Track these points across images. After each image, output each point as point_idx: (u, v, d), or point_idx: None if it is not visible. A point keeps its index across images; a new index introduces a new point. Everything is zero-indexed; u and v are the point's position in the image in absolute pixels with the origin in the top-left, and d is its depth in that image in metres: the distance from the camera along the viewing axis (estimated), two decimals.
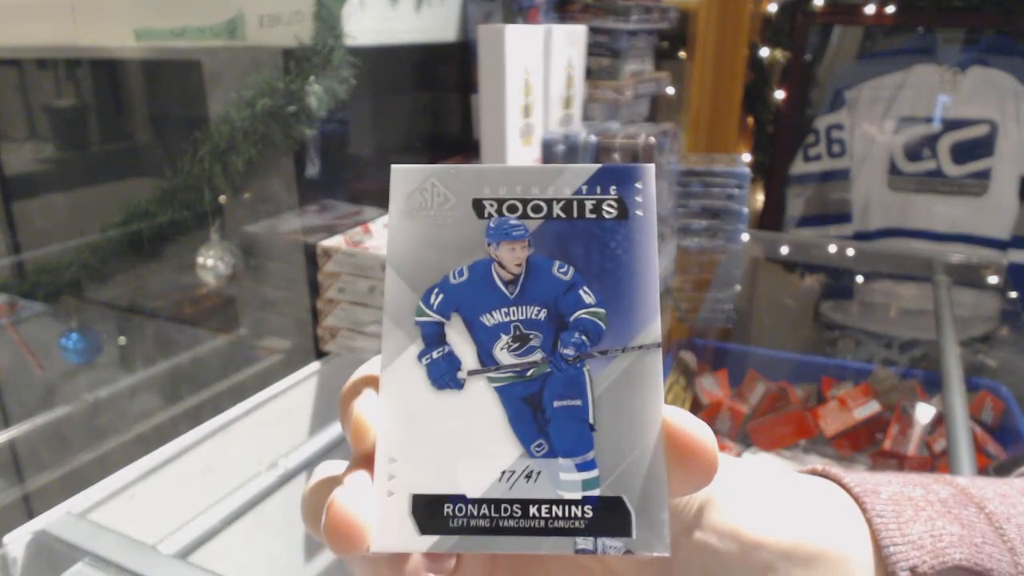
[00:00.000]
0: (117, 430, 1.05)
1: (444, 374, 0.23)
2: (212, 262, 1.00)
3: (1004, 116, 1.90)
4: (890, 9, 1.93)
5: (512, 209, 0.24)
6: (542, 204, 0.24)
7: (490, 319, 0.24)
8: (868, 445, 1.21)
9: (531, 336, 0.24)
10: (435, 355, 0.23)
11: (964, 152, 1.95)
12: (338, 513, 0.21)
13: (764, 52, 2.03)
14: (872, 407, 1.21)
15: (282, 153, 0.98)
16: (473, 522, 0.22)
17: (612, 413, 0.23)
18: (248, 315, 1.11)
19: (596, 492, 0.22)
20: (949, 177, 1.97)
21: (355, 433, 0.23)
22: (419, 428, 0.23)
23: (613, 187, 0.24)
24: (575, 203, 0.24)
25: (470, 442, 0.23)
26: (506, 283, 0.24)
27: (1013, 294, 1.55)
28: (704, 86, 1.88)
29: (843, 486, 0.28)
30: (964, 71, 1.92)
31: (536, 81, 1.10)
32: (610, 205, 0.24)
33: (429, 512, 0.22)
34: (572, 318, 0.23)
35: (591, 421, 0.23)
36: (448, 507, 0.22)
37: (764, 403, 1.29)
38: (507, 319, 0.24)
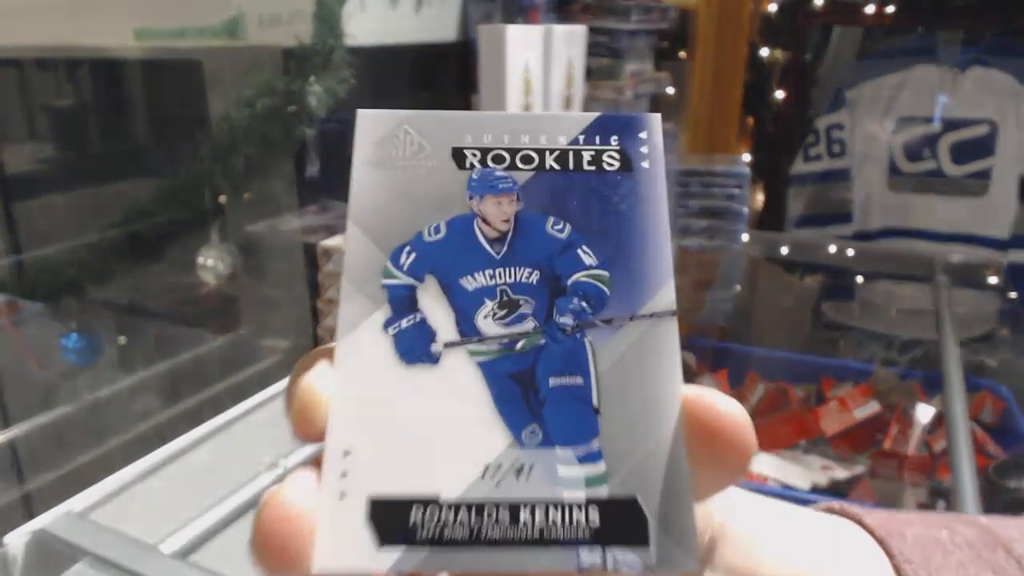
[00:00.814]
0: (117, 430, 1.05)
1: (415, 346, 0.19)
2: (212, 262, 1.00)
3: (1004, 116, 1.90)
4: (890, 9, 1.93)
5: (498, 159, 0.21)
6: (533, 154, 0.21)
7: (472, 282, 0.20)
8: (868, 445, 1.21)
9: (521, 302, 0.20)
10: (404, 324, 0.20)
11: (964, 152, 1.95)
12: (270, 521, 0.16)
13: (764, 52, 2.03)
14: (872, 407, 1.21)
15: (282, 153, 0.98)
16: (448, 531, 0.18)
17: (621, 393, 0.19)
18: (248, 315, 1.11)
19: (603, 491, 0.18)
20: (949, 177, 1.97)
21: (301, 414, 0.18)
22: (382, 412, 0.19)
23: (614, 137, 0.22)
24: (571, 153, 0.21)
25: (446, 429, 0.19)
26: (491, 241, 0.21)
27: (1013, 294, 1.55)
28: (704, 86, 1.88)
29: (865, 527, 0.26)
30: (964, 71, 1.92)
31: (536, 81, 1.10)
32: (611, 156, 0.21)
33: (392, 519, 0.18)
34: (570, 281, 0.20)
35: (595, 403, 0.19)
36: (416, 512, 0.18)
37: (764, 403, 1.29)
38: (492, 282, 0.20)
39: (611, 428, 0.19)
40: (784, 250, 1.90)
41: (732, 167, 1.23)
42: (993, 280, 1.50)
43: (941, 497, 1.09)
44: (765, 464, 1.17)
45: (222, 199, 0.99)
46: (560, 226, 0.21)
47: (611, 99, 1.29)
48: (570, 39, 1.18)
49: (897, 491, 1.10)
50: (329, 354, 0.20)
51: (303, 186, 1.02)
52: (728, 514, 0.22)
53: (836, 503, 0.28)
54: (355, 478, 0.18)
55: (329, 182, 1.06)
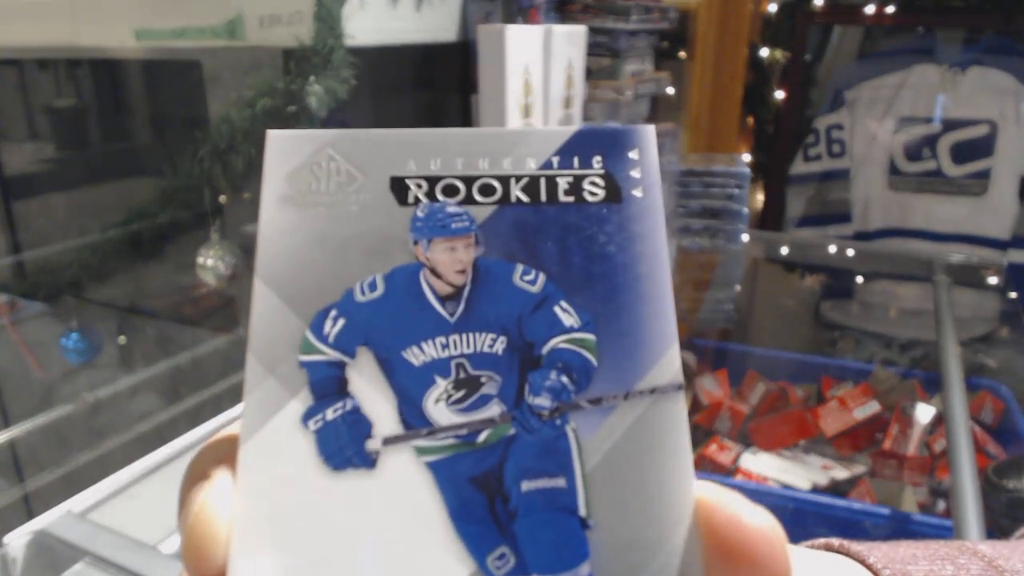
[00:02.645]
0: (117, 430, 1.05)
1: (345, 445, 0.15)
2: (212, 262, 1.00)
3: (1004, 116, 1.90)
4: (890, 9, 1.93)
5: (450, 191, 0.17)
6: (494, 183, 0.17)
7: (419, 355, 0.16)
8: (868, 445, 1.21)
9: (483, 379, 0.16)
10: (330, 415, 0.15)
11: (964, 152, 1.95)
12: None
13: (764, 52, 2.03)
14: (872, 407, 1.21)
15: None
16: None
17: (616, 498, 0.15)
18: (248, 315, 1.11)
19: None
20: (949, 177, 1.97)
21: (192, 549, 0.14)
22: (301, 539, 0.14)
23: (598, 158, 0.17)
24: (543, 181, 0.17)
25: (388, 559, 0.14)
26: (443, 300, 0.16)
27: (1013, 294, 1.55)
28: (704, 86, 1.88)
29: (868, 567, 0.25)
30: (964, 71, 1.92)
31: (536, 81, 1.10)
32: (594, 183, 0.17)
33: None
34: (545, 350, 0.16)
35: (582, 512, 0.15)
36: None
37: (764, 403, 1.29)
38: (445, 354, 0.16)
39: (605, 546, 0.15)
40: (784, 250, 1.90)
41: (732, 167, 1.23)
42: (993, 280, 1.50)
43: (941, 497, 1.09)
44: (765, 464, 1.17)
45: (222, 199, 0.99)
46: (531, 276, 0.16)
47: (611, 99, 1.29)
48: (570, 39, 1.18)
49: (897, 491, 1.10)
50: (230, 455, 0.15)
51: None
52: None
53: (836, 541, 0.25)
54: None
55: None
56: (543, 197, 0.17)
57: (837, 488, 1.11)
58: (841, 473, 1.14)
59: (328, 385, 0.15)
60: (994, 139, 1.92)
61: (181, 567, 0.15)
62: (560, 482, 0.15)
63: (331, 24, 0.93)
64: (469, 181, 0.17)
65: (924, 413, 1.18)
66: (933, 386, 1.24)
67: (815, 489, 1.10)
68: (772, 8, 2.03)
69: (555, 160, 0.17)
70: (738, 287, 1.43)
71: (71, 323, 1.06)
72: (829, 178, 2.09)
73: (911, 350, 1.81)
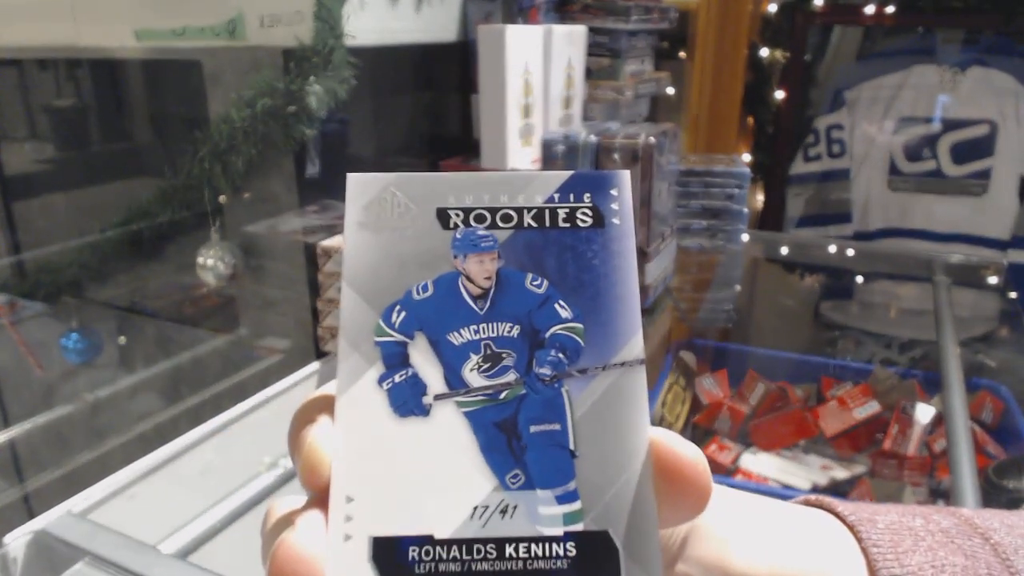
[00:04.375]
0: (117, 430, 1.05)
1: (408, 400, 0.21)
2: (212, 262, 1.00)
3: (1004, 116, 1.90)
4: (890, 9, 1.93)
5: (480, 219, 0.23)
6: (512, 213, 0.23)
7: (458, 337, 0.22)
8: (868, 445, 1.21)
9: (503, 355, 0.22)
10: (397, 379, 0.21)
11: (964, 152, 1.95)
12: (285, 561, 0.19)
13: (764, 52, 2.03)
14: (872, 407, 1.21)
15: (282, 153, 0.98)
16: (442, 566, 0.20)
17: (594, 437, 0.21)
18: (248, 315, 1.11)
19: (579, 526, 0.20)
20: (949, 177, 1.97)
21: (307, 468, 0.20)
22: (380, 461, 0.20)
23: (587, 194, 0.23)
24: (547, 212, 0.23)
25: (437, 476, 0.21)
26: (475, 298, 0.22)
27: (1013, 294, 1.55)
28: (704, 86, 1.88)
29: (837, 515, 0.27)
30: (964, 71, 1.92)
31: (536, 81, 1.10)
32: (584, 213, 0.23)
33: (391, 557, 0.20)
34: (548, 334, 0.22)
35: (572, 447, 0.21)
36: (413, 550, 0.20)
37: (764, 403, 1.29)
38: (477, 337, 0.22)
39: (586, 470, 0.21)
40: (784, 250, 1.90)
41: (732, 167, 1.23)
42: (993, 280, 1.50)
43: (941, 497, 1.09)
44: (765, 464, 1.17)
45: (222, 199, 0.99)
46: (538, 282, 0.22)
47: (611, 99, 1.29)
48: (570, 39, 1.18)
49: (897, 491, 1.10)
50: (327, 407, 0.21)
51: (303, 186, 1.02)
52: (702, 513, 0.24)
53: (813, 496, 0.28)
54: (358, 522, 0.20)
55: (329, 182, 1.06)
56: (547, 224, 0.23)
57: (837, 488, 1.11)
58: (841, 473, 1.14)
59: (395, 358, 0.22)
60: (994, 139, 1.92)
61: (268, 504, 0.21)
62: (557, 426, 0.21)
63: (331, 24, 0.93)
64: (493, 211, 0.23)
65: (924, 413, 1.18)
66: (933, 386, 1.24)
67: (815, 489, 1.10)
68: (772, 8, 2.03)
69: (556, 196, 0.23)
70: (738, 287, 1.43)
71: (71, 323, 1.06)
72: (829, 178, 2.09)
73: (911, 350, 1.81)
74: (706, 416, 1.29)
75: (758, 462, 1.17)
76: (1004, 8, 1.82)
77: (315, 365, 0.98)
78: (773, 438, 1.23)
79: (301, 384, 0.95)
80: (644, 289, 1.09)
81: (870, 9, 1.94)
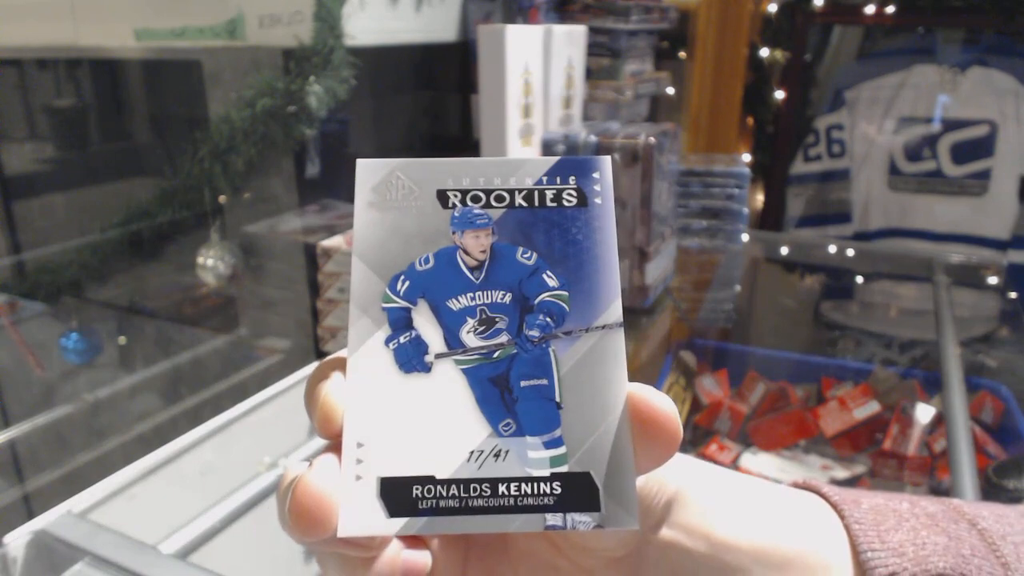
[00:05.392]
0: (117, 430, 1.05)
1: (411, 358, 0.24)
2: (212, 262, 1.00)
3: (1004, 116, 1.90)
4: (890, 9, 1.93)
5: (476, 199, 0.25)
6: (504, 194, 0.25)
7: (456, 303, 0.24)
8: (868, 445, 1.21)
9: (497, 319, 0.24)
10: (402, 339, 0.24)
11: (964, 152, 1.95)
12: (303, 495, 0.21)
13: (764, 52, 2.03)
14: (872, 407, 1.21)
15: (282, 153, 0.98)
16: (443, 503, 0.22)
17: (578, 391, 0.23)
18: (248, 315, 1.11)
19: (564, 468, 0.22)
20: (949, 177, 1.97)
21: (322, 417, 0.22)
22: (387, 411, 0.23)
23: (572, 177, 0.25)
24: (536, 192, 0.25)
25: (438, 424, 0.23)
26: (471, 269, 0.24)
27: (1013, 294, 1.55)
28: (704, 86, 1.88)
29: (823, 496, 0.28)
30: (964, 71, 1.92)
31: (536, 81, 1.10)
32: (569, 194, 0.25)
33: (398, 495, 0.22)
34: (536, 301, 0.24)
35: (557, 399, 0.23)
36: (417, 489, 0.22)
37: (764, 403, 1.29)
38: (473, 303, 0.24)
39: (570, 419, 0.23)
40: (784, 250, 1.90)
41: (732, 167, 1.23)
42: (993, 280, 1.50)
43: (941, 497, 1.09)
44: (765, 464, 1.17)
45: (222, 199, 0.99)
46: (528, 255, 0.25)
47: (611, 99, 1.29)
48: (570, 39, 1.18)
49: (897, 491, 1.10)
50: (340, 366, 0.24)
51: (303, 186, 1.02)
52: (686, 481, 0.25)
53: (801, 480, 0.29)
54: (367, 464, 0.22)
55: (329, 182, 1.06)
56: (536, 203, 0.25)
57: None
58: (841, 473, 1.14)
59: (400, 322, 0.24)
60: (994, 139, 1.91)
61: (284, 468, 0.24)
62: (544, 381, 0.23)
63: (331, 24, 0.93)
64: (488, 192, 0.25)
65: (924, 413, 1.18)
66: (933, 386, 1.24)
67: None
68: (772, 8, 2.02)
69: (544, 179, 0.25)
70: (738, 287, 1.43)
71: (71, 323, 1.06)
72: (829, 178, 2.09)
73: (911, 350, 1.81)
74: (706, 416, 1.29)
75: (758, 462, 1.17)
76: (1004, 8, 1.82)
77: (315, 365, 0.98)
78: (773, 438, 1.23)
79: (301, 384, 0.95)
80: (644, 289, 1.09)
81: (870, 9, 1.94)
